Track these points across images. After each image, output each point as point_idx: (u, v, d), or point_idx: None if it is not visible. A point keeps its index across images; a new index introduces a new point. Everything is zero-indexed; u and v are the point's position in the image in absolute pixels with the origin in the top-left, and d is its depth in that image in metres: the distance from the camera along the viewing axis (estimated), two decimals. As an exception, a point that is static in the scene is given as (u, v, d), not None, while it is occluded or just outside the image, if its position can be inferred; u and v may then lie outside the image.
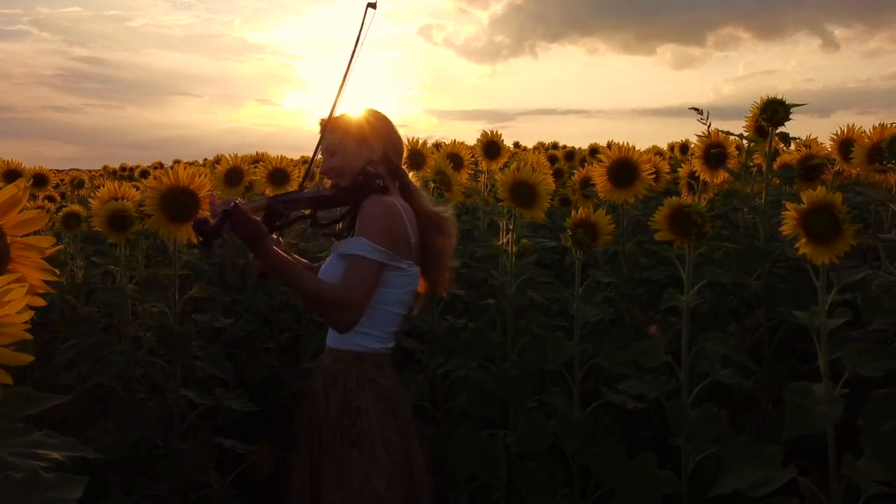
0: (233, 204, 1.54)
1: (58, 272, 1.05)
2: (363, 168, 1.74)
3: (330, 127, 1.77)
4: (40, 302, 1.02)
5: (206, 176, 2.36)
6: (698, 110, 2.55)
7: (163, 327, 2.44)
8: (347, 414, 1.66)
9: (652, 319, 2.62)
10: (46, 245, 1.05)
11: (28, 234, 1.04)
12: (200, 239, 1.51)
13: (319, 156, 1.80)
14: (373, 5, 1.63)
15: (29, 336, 0.83)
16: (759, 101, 2.43)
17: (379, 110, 1.86)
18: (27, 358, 0.83)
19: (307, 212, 1.78)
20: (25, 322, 0.82)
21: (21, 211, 1.02)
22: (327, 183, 1.88)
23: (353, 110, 1.83)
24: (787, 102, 2.33)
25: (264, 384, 3.28)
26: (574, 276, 2.31)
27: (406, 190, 1.82)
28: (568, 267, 3.57)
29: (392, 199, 1.73)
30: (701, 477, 2.12)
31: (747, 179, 2.64)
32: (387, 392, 1.70)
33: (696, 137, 3.18)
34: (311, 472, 1.73)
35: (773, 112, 2.32)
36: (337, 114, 1.78)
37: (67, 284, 3.09)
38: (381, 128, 1.82)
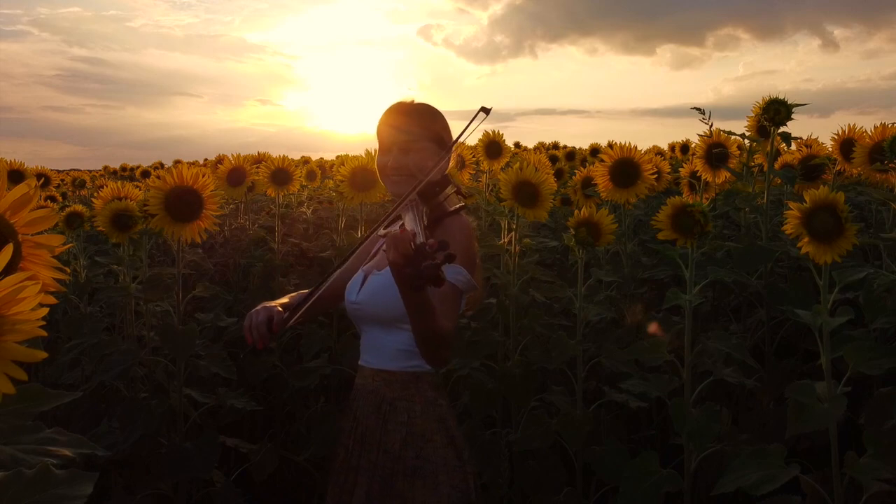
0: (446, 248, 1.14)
1: (68, 270, 1.06)
2: (444, 179, 1.52)
3: (414, 116, 1.59)
4: (52, 300, 1.03)
5: (209, 176, 2.37)
6: (700, 110, 2.56)
7: (166, 326, 2.45)
8: (411, 444, 1.52)
9: (654, 319, 2.63)
10: (56, 243, 1.06)
11: (38, 233, 1.05)
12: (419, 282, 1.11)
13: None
14: (486, 111, 1.45)
15: (43, 333, 0.84)
16: (760, 101, 2.45)
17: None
18: (41, 354, 0.84)
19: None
20: (39, 319, 0.83)
21: (32, 210, 1.03)
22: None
23: (423, 102, 1.63)
24: (788, 102, 2.35)
25: (266, 384, 3.28)
26: (575, 276, 2.32)
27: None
28: (570, 267, 3.58)
29: (467, 219, 1.58)
30: (703, 476, 2.13)
31: (749, 179, 2.65)
32: (445, 413, 1.57)
33: (696, 138, 3.19)
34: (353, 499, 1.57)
35: (776, 112, 2.33)
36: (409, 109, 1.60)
37: (70, 284, 3.10)
38: (446, 127, 1.63)
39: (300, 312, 1.51)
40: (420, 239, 1.13)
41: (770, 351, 2.54)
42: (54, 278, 1.06)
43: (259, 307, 1.59)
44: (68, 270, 1.09)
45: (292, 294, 1.73)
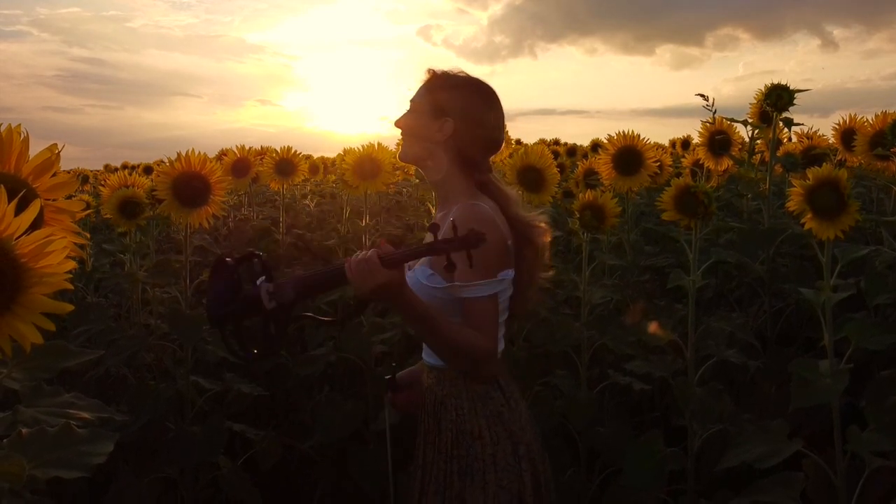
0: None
1: (87, 235, 1.08)
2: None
3: (428, 82, 1.53)
4: (72, 265, 1.05)
5: (216, 161, 2.39)
6: (704, 96, 2.59)
7: (174, 311, 2.47)
8: (462, 442, 1.47)
9: (657, 306, 2.65)
10: (77, 209, 1.08)
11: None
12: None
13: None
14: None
15: (70, 286, 0.86)
16: (763, 88, 2.47)
17: (485, 82, 1.54)
18: (68, 307, 0.86)
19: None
20: (67, 272, 0.85)
21: (54, 175, 1.05)
22: None
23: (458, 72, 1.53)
24: (791, 88, 2.37)
25: (271, 373, 3.30)
26: (579, 265, 2.34)
27: (485, 189, 1.50)
28: (573, 256, 3.60)
29: (481, 205, 1.44)
30: (706, 456, 2.15)
31: (751, 167, 2.68)
32: (500, 408, 1.49)
33: (697, 135, 3.22)
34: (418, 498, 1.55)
35: (778, 97, 2.35)
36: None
37: (77, 273, 3.12)
38: (465, 103, 1.50)
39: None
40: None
41: (772, 337, 2.57)
42: (74, 243, 1.08)
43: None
44: (88, 235, 1.11)
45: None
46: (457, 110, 1.48)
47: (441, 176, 1.52)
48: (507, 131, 3.74)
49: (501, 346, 1.52)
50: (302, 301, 1.32)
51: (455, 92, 1.51)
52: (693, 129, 3.08)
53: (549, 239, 1.54)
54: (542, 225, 1.52)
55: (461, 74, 1.53)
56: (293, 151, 3.60)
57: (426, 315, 1.31)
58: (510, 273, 1.45)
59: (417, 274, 1.44)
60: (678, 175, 4.07)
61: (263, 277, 1.35)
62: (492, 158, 1.59)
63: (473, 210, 1.42)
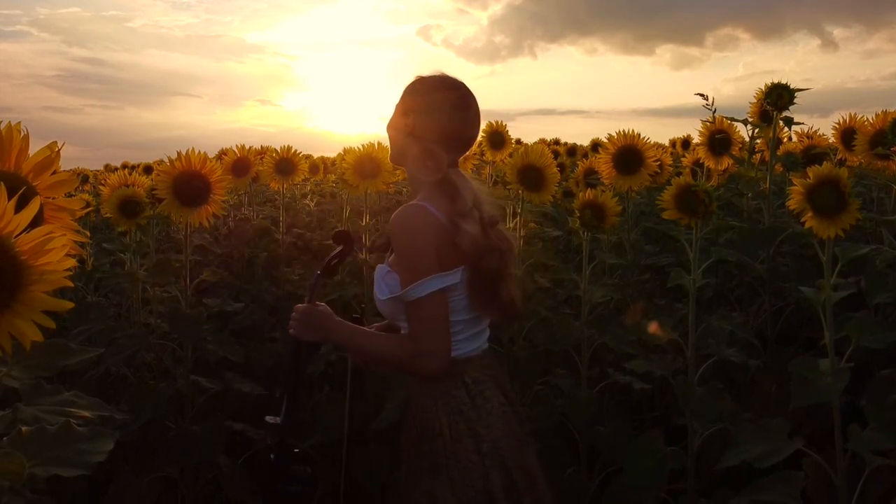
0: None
1: (88, 234, 1.08)
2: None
3: (409, 84, 1.58)
4: (72, 262, 1.05)
5: (216, 161, 2.39)
6: (703, 96, 2.59)
7: (175, 310, 2.47)
8: (426, 439, 1.49)
9: (658, 306, 2.65)
10: (77, 207, 1.08)
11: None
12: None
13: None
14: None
15: (70, 284, 0.86)
16: (763, 87, 2.47)
17: (454, 80, 1.56)
18: (67, 304, 0.86)
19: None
20: (66, 270, 0.85)
21: (54, 173, 1.05)
22: None
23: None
24: (791, 87, 2.37)
25: (271, 372, 3.30)
26: (579, 264, 2.34)
27: (443, 185, 1.49)
28: (574, 255, 3.60)
29: (416, 208, 1.46)
30: (706, 455, 2.15)
31: (751, 167, 2.68)
32: (462, 406, 1.48)
33: (697, 135, 3.22)
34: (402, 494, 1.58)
35: (778, 96, 2.36)
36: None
37: (77, 272, 3.12)
38: (427, 99, 1.53)
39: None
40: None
41: (772, 336, 2.57)
42: (74, 241, 1.08)
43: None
44: (88, 234, 1.11)
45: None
46: (419, 107, 1.54)
47: (410, 173, 1.57)
48: (506, 126, 3.75)
49: (483, 343, 1.56)
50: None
51: (421, 89, 1.56)
52: (693, 129, 3.08)
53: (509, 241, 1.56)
54: (498, 224, 1.54)
55: (436, 75, 1.57)
56: (293, 151, 3.60)
57: (355, 333, 1.53)
58: (453, 275, 1.44)
59: (378, 283, 1.52)
60: (678, 174, 4.08)
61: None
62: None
63: (404, 215, 1.46)
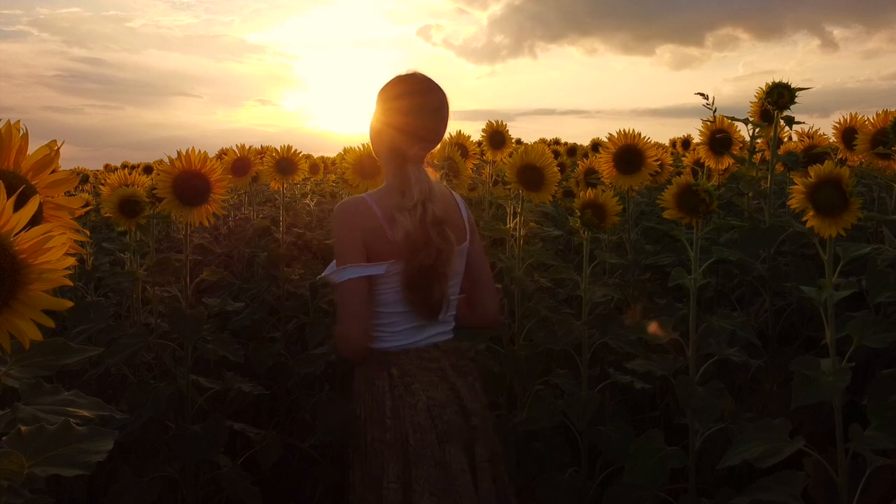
0: None
1: (88, 232, 1.07)
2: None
3: None
4: (71, 261, 1.05)
5: (216, 160, 2.39)
6: (704, 95, 2.58)
7: (175, 310, 2.46)
8: (353, 420, 1.61)
9: (658, 306, 2.65)
10: (77, 205, 1.08)
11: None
12: None
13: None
14: None
15: (69, 282, 0.85)
16: (763, 87, 2.47)
17: (415, 73, 1.64)
18: (67, 303, 0.86)
19: None
20: (66, 268, 0.85)
21: (53, 171, 1.05)
22: None
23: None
24: (792, 87, 2.37)
25: (271, 372, 3.30)
26: (579, 264, 2.34)
27: (396, 181, 1.60)
28: (574, 255, 3.60)
29: (347, 201, 1.60)
30: (707, 455, 2.15)
31: (752, 166, 2.67)
32: (381, 395, 1.55)
33: (697, 135, 3.21)
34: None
35: (779, 95, 2.35)
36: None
37: (76, 271, 3.12)
38: (382, 94, 1.64)
39: None
40: None
41: (773, 336, 2.56)
42: (73, 240, 1.08)
43: None
44: (88, 233, 1.10)
45: None
46: (380, 103, 1.64)
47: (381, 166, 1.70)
48: (506, 125, 3.75)
49: (431, 338, 1.60)
50: None
51: (386, 86, 1.64)
52: (693, 129, 3.08)
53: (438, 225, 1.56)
54: (444, 225, 1.56)
55: (403, 73, 1.65)
56: (293, 150, 3.59)
57: None
58: (376, 267, 1.53)
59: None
60: (679, 174, 4.08)
61: None
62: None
63: (340, 206, 1.59)
